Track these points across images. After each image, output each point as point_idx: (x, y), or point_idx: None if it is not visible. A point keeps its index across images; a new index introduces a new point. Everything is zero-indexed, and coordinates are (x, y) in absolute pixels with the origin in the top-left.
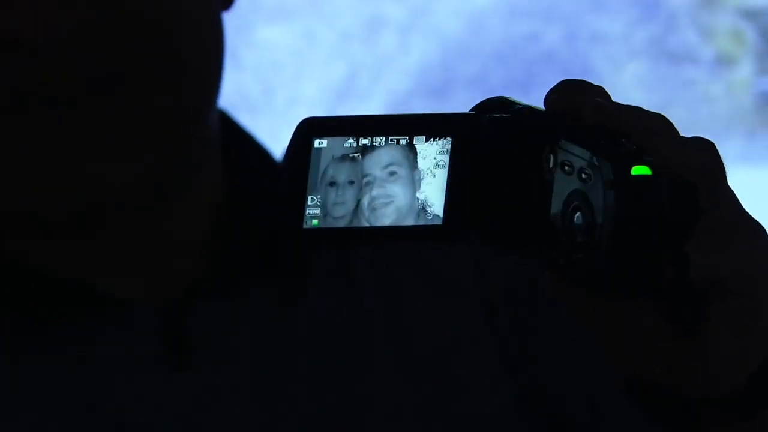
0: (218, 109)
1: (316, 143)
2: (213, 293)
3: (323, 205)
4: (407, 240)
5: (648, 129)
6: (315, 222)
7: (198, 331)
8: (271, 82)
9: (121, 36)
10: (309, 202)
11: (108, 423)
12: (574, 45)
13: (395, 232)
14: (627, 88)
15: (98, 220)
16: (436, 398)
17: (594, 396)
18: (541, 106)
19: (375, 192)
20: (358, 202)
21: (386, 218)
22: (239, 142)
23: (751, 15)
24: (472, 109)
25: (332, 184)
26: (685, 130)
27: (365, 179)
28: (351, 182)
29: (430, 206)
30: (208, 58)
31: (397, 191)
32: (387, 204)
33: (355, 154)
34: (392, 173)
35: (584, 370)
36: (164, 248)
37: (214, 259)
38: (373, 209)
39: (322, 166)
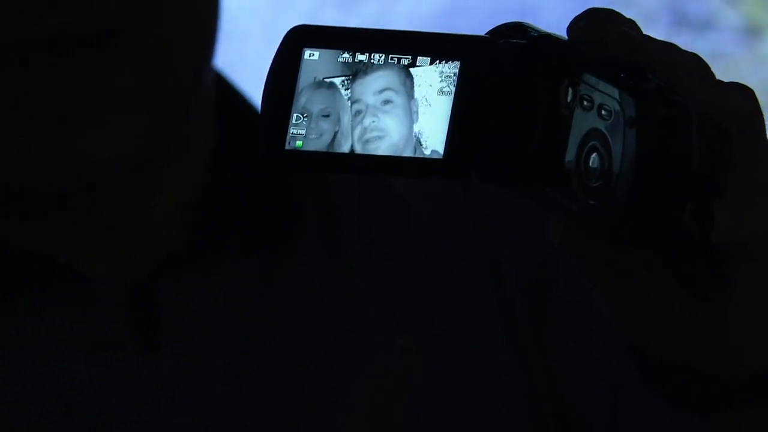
0: (215, 72)
1: (307, 54)
2: (188, 270)
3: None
4: (401, 173)
5: (680, 66)
6: (299, 143)
7: (167, 311)
8: (241, 51)
9: None
10: (294, 120)
11: (61, 409)
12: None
13: (389, 162)
14: None
15: (79, 194)
16: (433, 393)
17: (612, 393)
18: (562, 35)
19: (367, 122)
20: (335, 135)
21: (379, 153)
22: (232, 112)
23: None
24: (486, 34)
25: (304, 114)
26: None
27: (355, 107)
28: (326, 116)
29: (427, 138)
30: (198, 29)
31: (392, 124)
32: (380, 138)
33: (337, 79)
34: (387, 101)
35: (601, 361)
36: (143, 225)
37: (191, 236)
38: (365, 142)
39: (302, 86)
